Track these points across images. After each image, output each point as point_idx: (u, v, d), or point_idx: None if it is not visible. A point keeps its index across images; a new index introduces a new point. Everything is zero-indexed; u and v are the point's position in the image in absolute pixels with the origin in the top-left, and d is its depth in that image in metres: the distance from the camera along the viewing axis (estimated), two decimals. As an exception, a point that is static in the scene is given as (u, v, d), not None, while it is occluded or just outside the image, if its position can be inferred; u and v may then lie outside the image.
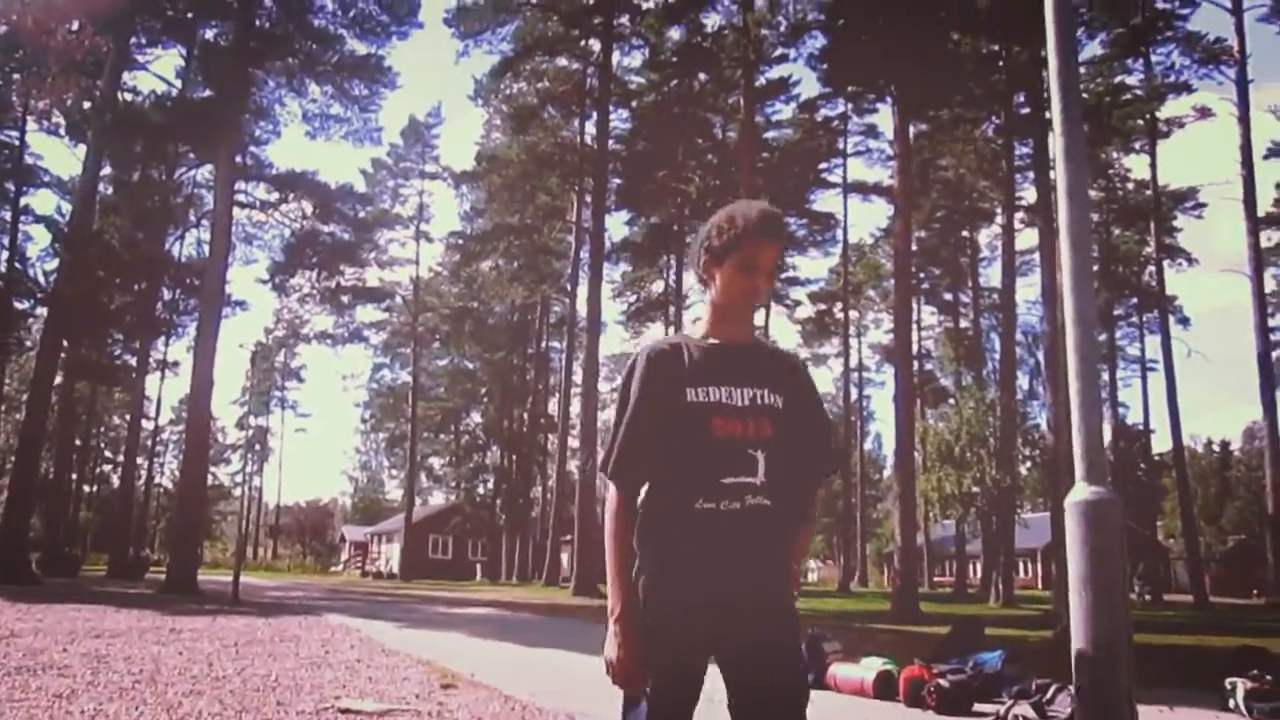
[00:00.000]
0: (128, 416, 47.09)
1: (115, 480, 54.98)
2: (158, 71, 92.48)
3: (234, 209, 27.35)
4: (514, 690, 6.64)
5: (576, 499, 32.01)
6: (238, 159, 27.61)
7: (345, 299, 38.45)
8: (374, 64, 28.39)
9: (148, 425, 47.16)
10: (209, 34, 28.79)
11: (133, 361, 38.14)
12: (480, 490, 58.54)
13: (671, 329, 46.21)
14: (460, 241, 46.11)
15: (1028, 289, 39.62)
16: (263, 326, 70.78)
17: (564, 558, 38.97)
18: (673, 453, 2.15)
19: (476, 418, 61.23)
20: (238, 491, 73.07)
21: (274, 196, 30.57)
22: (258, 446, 69.62)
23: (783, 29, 26.82)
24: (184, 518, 24.60)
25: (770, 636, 2.15)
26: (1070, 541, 3.53)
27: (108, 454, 63.86)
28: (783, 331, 66.93)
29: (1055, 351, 24.74)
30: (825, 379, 54.73)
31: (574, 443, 39.43)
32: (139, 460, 44.19)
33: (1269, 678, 6.49)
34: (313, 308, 44.82)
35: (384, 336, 56.62)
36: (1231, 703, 6.47)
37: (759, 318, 39.20)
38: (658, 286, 47.06)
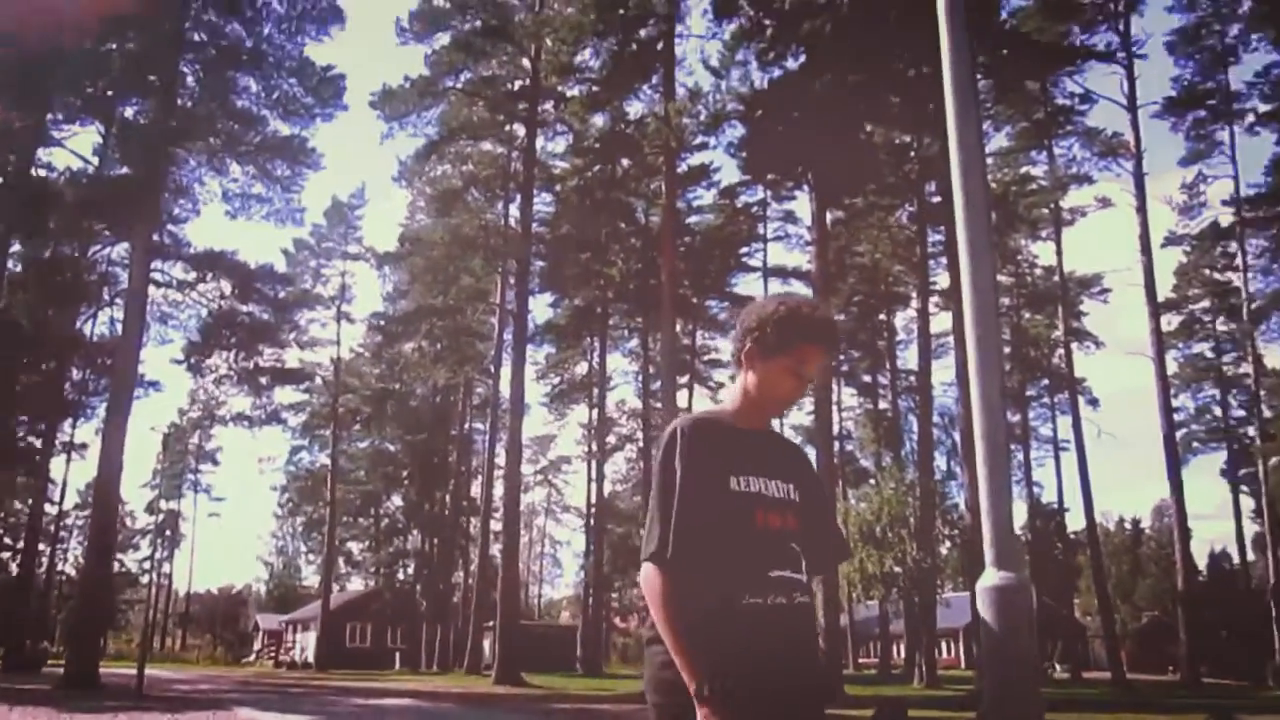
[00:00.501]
0: (30, 501, 45.26)
1: (14, 568, 52.61)
2: (74, 148, 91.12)
3: (150, 288, 26.84)
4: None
5: (499, 585, 31.50)
6: (155, 237, 27.18)
7: (263, 380, 37.63)
8: (297, 145, 28.36)
9: (51, 510, 45.43)
10: (129, 111, 28.57)
11: (38, 444, 36.83)
12: (400, 576, 57.23)
13: (595, 411, 46.30)
14: (382, 323, 45.82)
15: (943, 371, 40.58)
16: (177, 408, 68.88)
17: (486, 645, 38.15)
18: (718, 542, 2.07)
19: (397, 501, 60.12)
20: (146, 579, 70.44)
21: (191, 276, 30.04)
22: (168, 532, 67.07)
23: (703, 118, 27.45)
24: (87, 607, 23.62)
25: None
26: (982, 625, 3.61)
27: (7, 540, 61.06)
28: (706, 412, 67.19)
29: (970, 433, 25.31)
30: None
31: (496, 526, 38.96)
32: (40, 547, 42.40)
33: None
34: (229, 389, 43.79)
35: (303, 418, 55.46)
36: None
37: (682, 398, 39.47)
38: (581, 368, 47.25)
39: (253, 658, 63.37)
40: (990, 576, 3.68)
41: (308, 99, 27.95)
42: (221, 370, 36.10)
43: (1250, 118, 35.43)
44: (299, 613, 62.61)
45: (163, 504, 65.82)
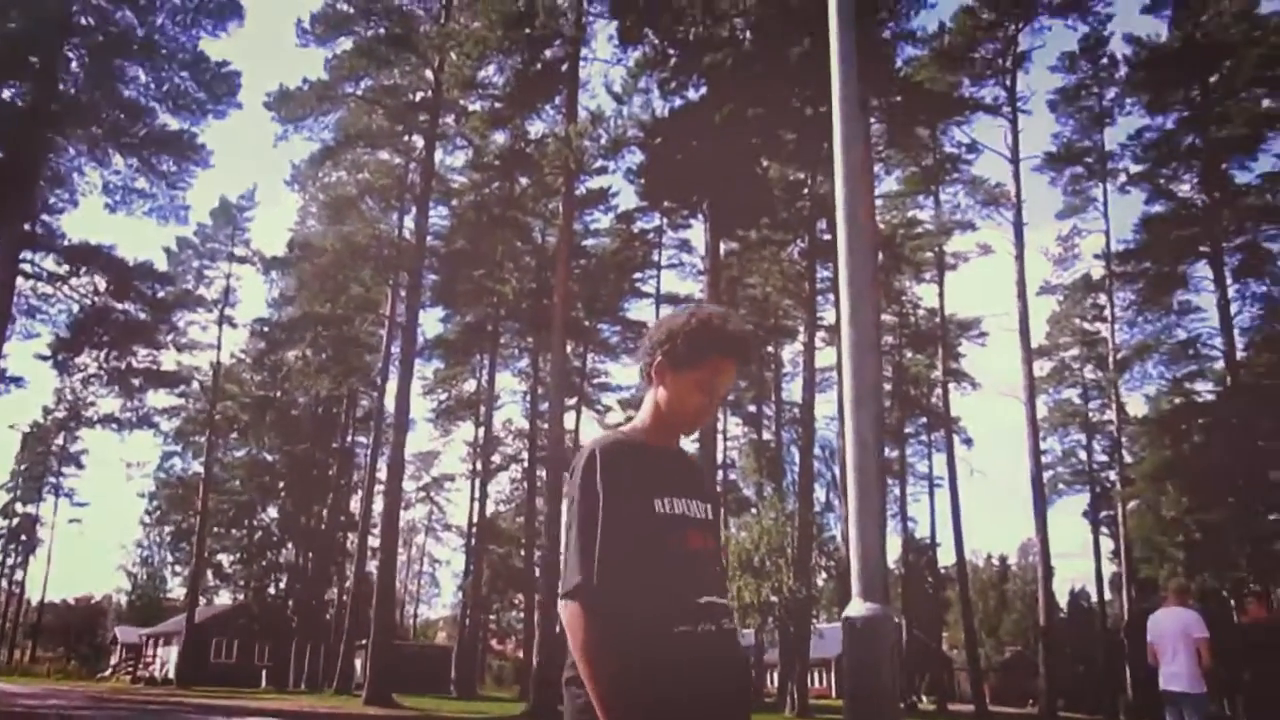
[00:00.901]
0: None
1: None
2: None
3: (18, 279, 25.64)
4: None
5: (374, 602, 30.83)
6: (27, 226, 25.99)
7: (136, 382, 36.23)
8: (186, 140, 27.54)
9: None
10: (6, 94, 27.32)
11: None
12: (272, 590, 55.45)
13: (481, 430, 45.84)
14: (266, 329, 44.68)
15: (826, 404, 41.39)
16: (41, 406, 65.67)
17: (357, 664, 37.22)
18: (645, 569, 1.94)
19: (272, 513, 58.26)
20: (-5, 586, 66.85)
21: (64, 269, 28.81)
22: (23, 537, 64.12)
23: (603, 142, 27.55)
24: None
25: None
26: (845, 654, 3.67)
27: None
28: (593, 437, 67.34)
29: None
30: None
31: (374, 542, 38.15)
32: (-121, 549, 39.91)
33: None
34: (98, 389, 42.07)
35: (177, 423, 53.56)
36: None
37: (569, 420, 39.39)
38: (469, 385, 46.85)
39: (109, 672, 60.45)
40: (856, 607, 3.75)
41: (200, 94, 27.22)
42: (91, 369, 34.76)
43: (1122, 177, 37.33)
44: (161, 626, 60.07)
45: (19, 507, 62.87)
